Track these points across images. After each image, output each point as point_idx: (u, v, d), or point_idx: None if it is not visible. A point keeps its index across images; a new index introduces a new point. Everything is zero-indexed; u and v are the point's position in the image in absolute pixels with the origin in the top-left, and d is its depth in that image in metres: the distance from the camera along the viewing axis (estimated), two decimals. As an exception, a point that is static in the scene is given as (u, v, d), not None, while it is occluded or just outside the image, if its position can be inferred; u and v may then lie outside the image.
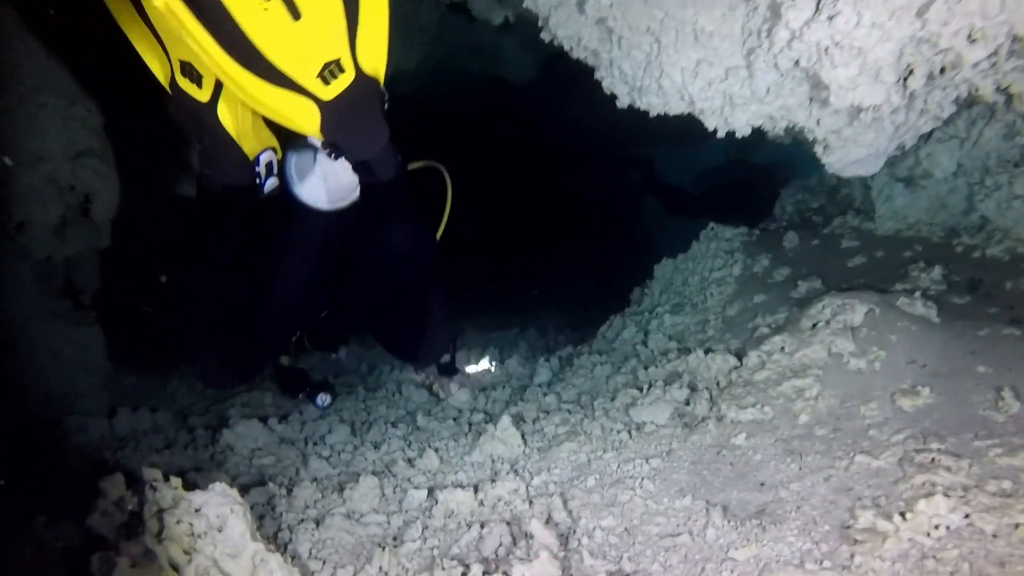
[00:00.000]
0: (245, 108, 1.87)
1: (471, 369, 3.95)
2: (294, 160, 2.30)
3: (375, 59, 1.70)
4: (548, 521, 1.99)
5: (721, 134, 2.55)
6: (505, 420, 2.62)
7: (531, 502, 2.17)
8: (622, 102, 2.78)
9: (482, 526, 2.03)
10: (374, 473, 2.48)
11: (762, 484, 2.08)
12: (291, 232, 2.37)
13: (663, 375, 2.99)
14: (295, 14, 1.50)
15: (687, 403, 2.66)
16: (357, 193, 2.33)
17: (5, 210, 3.00)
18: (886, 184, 3.44)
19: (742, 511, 1.96)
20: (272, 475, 2.63)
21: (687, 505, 2.03)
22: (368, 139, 1.87)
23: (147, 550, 1.57)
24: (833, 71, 1.96)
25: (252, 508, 1.98)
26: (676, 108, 2.54)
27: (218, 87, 1.82)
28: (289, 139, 2.24)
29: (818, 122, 2.33)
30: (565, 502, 2.13)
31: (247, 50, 1.50)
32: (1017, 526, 1.57)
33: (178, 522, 1.67)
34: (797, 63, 2.10)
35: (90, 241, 3.45)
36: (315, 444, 2.96)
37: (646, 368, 3.09)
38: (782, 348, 2.59)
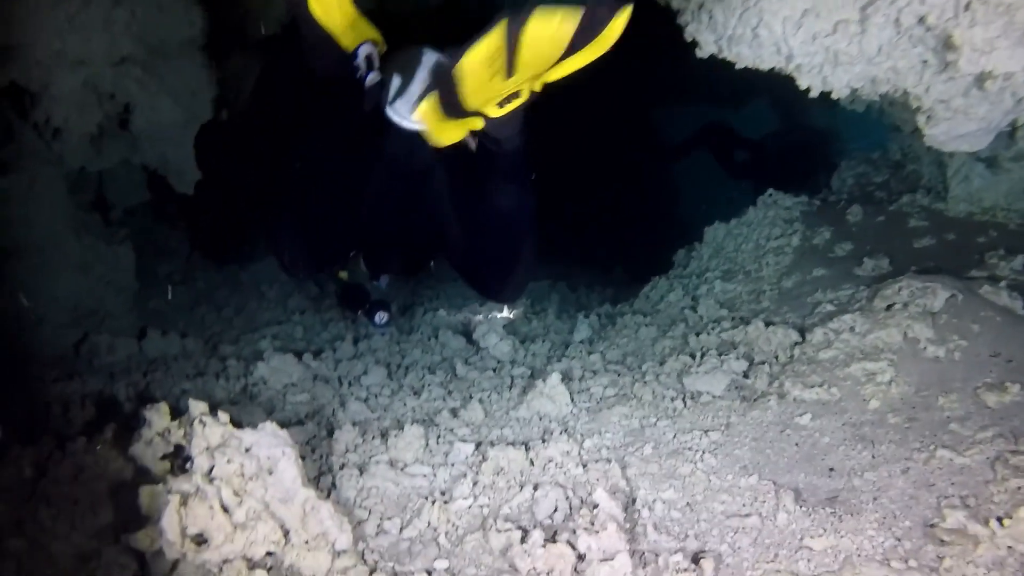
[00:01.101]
0: (340, 6, 1.92)
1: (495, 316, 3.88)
2: (395, 81, 2.21)
3: (550, 79, 1.74)
4: (609, 490, 1.89)
5: (814, 93, 2.36)
6: (555, 377, 2.51)
7: (585, 466, 2.07)
8: (704, 51, 2.58)
9: (535, 488, 1.94)
10: (416, 421, 2.38)
11: (831, 470, 1.97)
12: (382, 147, 2.36)
13: (716, 343, 2.87)
14: (510, 72, 1.56)
15: (745, 376, 2.55)
16: None
17: (43, 114, 2.85)
18: (965, 163, 3.25)
19: (812, 497, 1.86)
20: (308, 414, 2.55)
21: (753, 484, 1.92)
22: (509, 131, 1.95)
23: (198, 489, 1.48)
24: (969, 31, 1.78)
25: (296, 449, 1.89)
26: (769, 61, 2.35)
27: None
28: (395, 53, 2.19)
29: (927, 89, 2.14)
30: (623, 469, 2.03)
31: (454, 103, 1.66)
32: None
33: (229, 461, 1.57)
34: (923, 20, 1.91)
35: (126, 154, 3.31)
36: (351, 384, 2.88)
37: (697, 335, 2.97)
38: (852, 328, 2.46)
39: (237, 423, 1.77)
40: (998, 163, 3.16)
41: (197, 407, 1.72)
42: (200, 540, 1.44)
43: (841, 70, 2.20)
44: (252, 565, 1.48)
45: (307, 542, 1.60)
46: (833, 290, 2.92)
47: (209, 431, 1.63)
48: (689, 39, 2.63)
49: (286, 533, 1.58)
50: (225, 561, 1.43)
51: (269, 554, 1.54)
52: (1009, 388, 2.06)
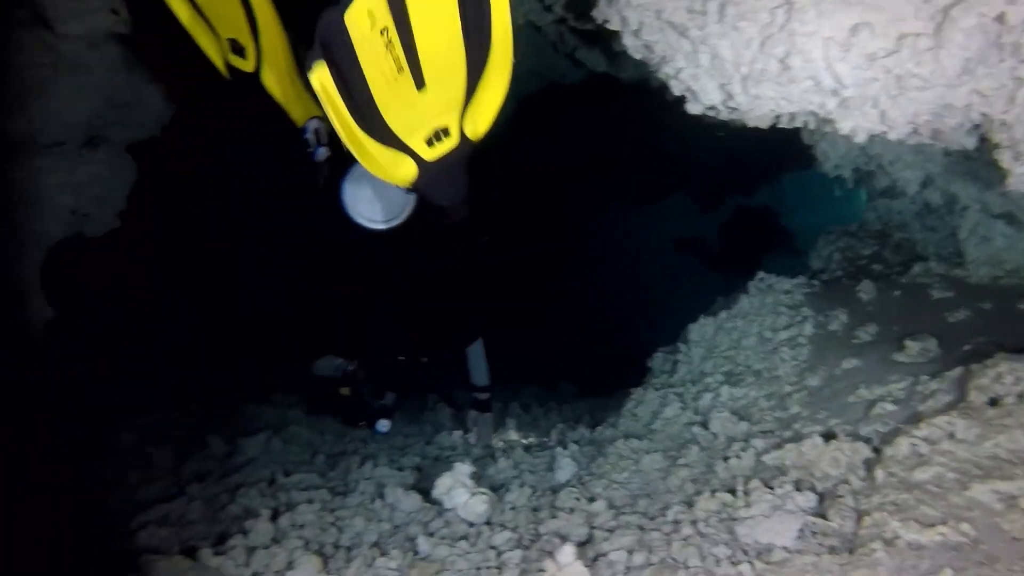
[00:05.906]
0: (290, 77, 1.93)
1: (500, 442, 3.46)
2: (349, 182, 2.24)
3: (481, 125, 1.73)
4: None
5: (860, 138, 1.85)
6: (567, 551, 1.77)
7: None
8: (702, 102, 2.08)
9: None
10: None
11: (1032, 664, 1.31)
12: (345, 250, 2.40)
13: (754, 469, 2.21)
14: (420, 84, 1.54)
15: (820, 515, 1.88)
16: (410, 210, 2.28)
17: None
18: (980, 223, 2.85)
19: None
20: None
21: None
22: (451, 193, 1.89)
23: None
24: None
25: None
26: (802, 102, 1.84)
27: (259, 57, 1.90)
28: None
29: (1020, 115, 1.65)
30: None
31: (370, 114, 1.52)
32: None
33: None
34: (1001, 17, 1.44)
35: None
36: (269, 589, 2.02)
37: (726, 460, 2.30)
38: (951, 434, 1.86)
39: None
40: (1018, 218, 2.77)
41: None
42: None
43: (905, 99, 1.70)
44: None
45: None
46: (880, 384, 2.35)
47: None
48: (679, 92, 2.13)
49: None
50: None
51: None
52: None
